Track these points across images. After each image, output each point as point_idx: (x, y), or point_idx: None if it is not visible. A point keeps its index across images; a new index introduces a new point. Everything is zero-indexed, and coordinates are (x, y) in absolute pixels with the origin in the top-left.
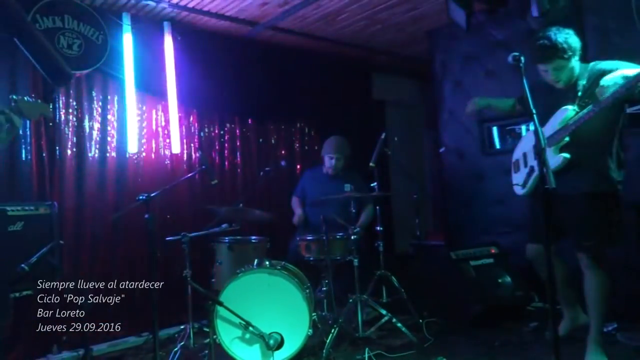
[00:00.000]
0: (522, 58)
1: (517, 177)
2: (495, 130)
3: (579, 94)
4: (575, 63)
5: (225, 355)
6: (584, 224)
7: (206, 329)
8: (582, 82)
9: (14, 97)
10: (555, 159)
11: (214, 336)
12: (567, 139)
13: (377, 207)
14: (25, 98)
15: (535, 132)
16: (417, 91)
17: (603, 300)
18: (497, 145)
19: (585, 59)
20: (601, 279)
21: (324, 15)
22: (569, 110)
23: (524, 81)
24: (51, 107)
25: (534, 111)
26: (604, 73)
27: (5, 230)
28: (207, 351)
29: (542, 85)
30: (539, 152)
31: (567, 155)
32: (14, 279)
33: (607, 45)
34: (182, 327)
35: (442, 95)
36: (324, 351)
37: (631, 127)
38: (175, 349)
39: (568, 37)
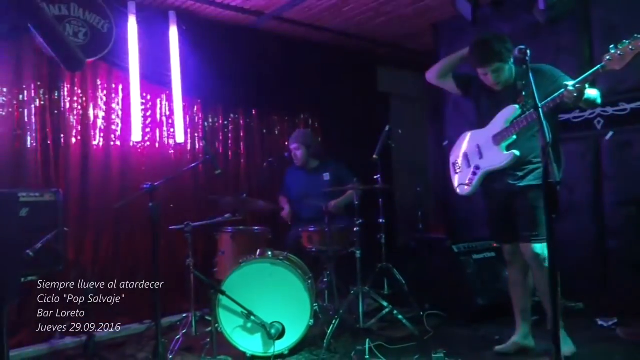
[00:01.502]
0: (529, 51)
1: (461, 178)
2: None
3: (523, 93)
4: (512, 65)
5: (227, 344)
6: (529, 215)
7: (208, 318)
8: (522, 82)
9: None
10: (504, 156)
11: (216, 325)
12: (514, 136)
13: (380, 200)
14: None
15: (540, 126)
16: (422, 84)
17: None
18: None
19: (591, 51)
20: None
21: (330, 7)
22: (516, 109)
23: (530, 74)
24: (57, 94)
25: (539, 105)
26: (538, 72)
27: (17, 214)
28: (208, 339)
29: (481, 87)
30: (544, 147)
31: (517, 152)
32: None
33: (613, 39)
34: (184, 315)
35: None
36: (325, 341)
37: (635, 124)
38: (177, 337)
39: (504, 42)
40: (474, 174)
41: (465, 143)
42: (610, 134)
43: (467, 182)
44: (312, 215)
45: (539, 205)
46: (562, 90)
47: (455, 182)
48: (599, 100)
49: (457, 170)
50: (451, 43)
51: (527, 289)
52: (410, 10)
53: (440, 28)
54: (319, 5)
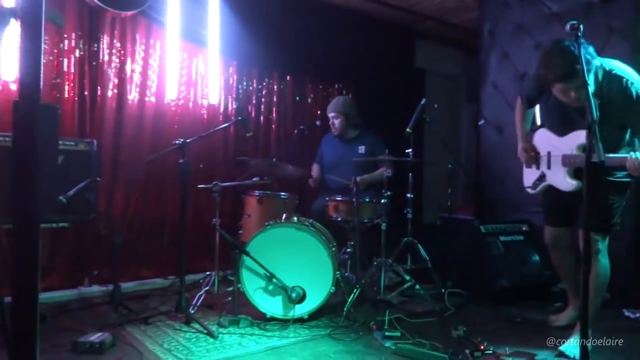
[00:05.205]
0: (582, 26)
1: (528, 177)
2: (537, 106)
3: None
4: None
5: (248, 304)
6: (599, 206)
7: (231, 278)
8: (597, 99)
9: None
10: (569, 184)
11: (238, 285)
12: None
13: (410, 174)
14: None
15: (588, 106)
16: (460, 62)
17: (603, 286)
18: (538, 122)
19: None
20: (604, 268)
21: None
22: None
23: (582, 53)
24: (96, 46)
25: (588, 82)
26: (614, 82)
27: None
28: (230, 298)
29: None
30: (590, 126)
31: (580, 184)
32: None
33: None
34: (207, 273)
35: (487, 67)
36: (345, 309)
37: None
38: (200, 293)
39: (589, 48)
40: (540, 180)
41: (539, 142)
42: None
43: (532, 185)
44: (341, 186)
45: (610, 198)
46: (627, 155)
47: (524, 179)
48: None
49: (527, 165)
50: (496, 20)
51: (573, 266)
52: None
53: (486, 2)
54: None
